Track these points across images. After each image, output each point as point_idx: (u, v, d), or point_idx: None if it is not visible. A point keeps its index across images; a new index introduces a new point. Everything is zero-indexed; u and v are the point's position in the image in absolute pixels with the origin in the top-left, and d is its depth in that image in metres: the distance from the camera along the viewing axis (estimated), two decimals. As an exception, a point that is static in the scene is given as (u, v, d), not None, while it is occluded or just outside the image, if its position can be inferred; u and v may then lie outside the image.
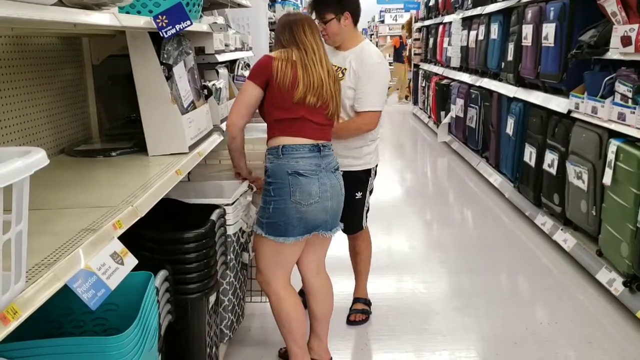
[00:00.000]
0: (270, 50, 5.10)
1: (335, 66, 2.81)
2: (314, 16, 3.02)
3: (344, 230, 2.80)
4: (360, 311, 3.14)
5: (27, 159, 0.95)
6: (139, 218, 1.60)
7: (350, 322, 3.09)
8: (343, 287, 3.24)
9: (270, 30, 5.26)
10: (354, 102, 2.81)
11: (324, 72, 2.35)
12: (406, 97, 13.36)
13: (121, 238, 1.46)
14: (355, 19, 2.90)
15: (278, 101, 2.32)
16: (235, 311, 2.67)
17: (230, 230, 2.46)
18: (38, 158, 0.97)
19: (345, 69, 2.81)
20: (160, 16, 2.00)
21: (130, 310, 1.58)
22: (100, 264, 1.31)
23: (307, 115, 2.33)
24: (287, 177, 2.29)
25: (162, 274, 1.84)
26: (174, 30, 2.02)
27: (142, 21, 1.98)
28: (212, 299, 2.27)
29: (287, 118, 2.33)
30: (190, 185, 2.80)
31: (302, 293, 2.81)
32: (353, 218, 2.92)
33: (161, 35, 2.04)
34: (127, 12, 2.07)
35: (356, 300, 3.20)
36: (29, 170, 0.94)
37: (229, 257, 2.48)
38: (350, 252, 3.21)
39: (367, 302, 3.20)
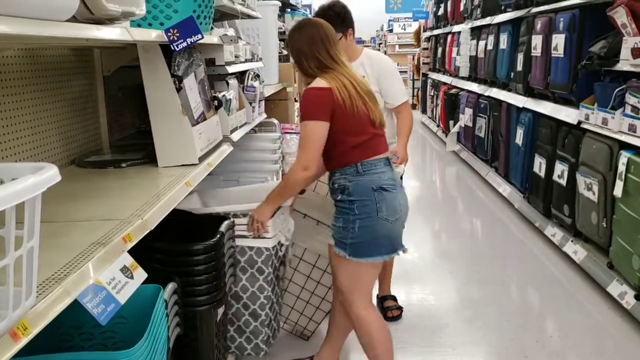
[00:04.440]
0: (281, 60, 5.14)
1: None
2: None
3: None
4: (394, 307, 3.28)
5: (39, 176, 0.95)
6: (148, 231, 1.60)
7: (389, 318, 3.20)
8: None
9: (280, 40, 5.27)
10: (384, 101, 3.01)
11: (361, 80, 2.35)
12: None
13: (130, 249, 1.46)
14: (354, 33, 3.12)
15: (353, 128, 2.25)
16: (272, 326, 2.63)
17: (269, 244, 2.42)
18: (50, 175, 0.97)
19: (364, 77, 2.88)
20: (171, 30, 2.02)
21: (139, 323, 1.58)
22: (110, 278, 1.31)
23: (376, 131, 2.31)
24: (373, 193, 2.22)
25: (172, 286, 1.84)
26: (185, 44, 2.04)
27: (153, 35, 1.99)
28: (221, 310, 2.27)
29: (365, 140, 2.26)
30: (230, 192, 2.79)
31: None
32: None
33: (172, 48, 2.05)
34: (139, 25, 2.08)
35: (385, 298, 3.34)
36: (42, 188, 0.94)
37: (267, 271, 2.45)
38: None
39: (394, 298, 3.36)
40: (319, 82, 2.26)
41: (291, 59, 2.59)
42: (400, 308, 3.29)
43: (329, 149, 2.28)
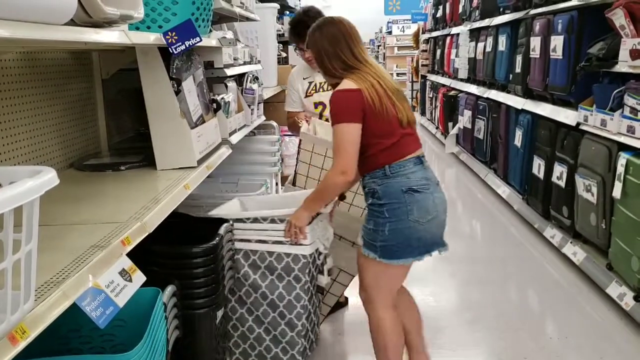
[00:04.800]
0: (279, 63, 5.14)
1: (323, 82, 3.09)
2: (297, 44, 3.20)
3: None
4: None
5: (37, 180, 0.95)
6: (147, 234, 1.60)
7: None
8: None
9: (278, 42, 5.28)
10: None
11: (389, 78, 2.29)
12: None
13: (129, 252, 1.46)
14: None
15: (383, 129, 2.20)
16: (309, 337, 2.59)
17: (307, 251, 2.39)
18: (48, 178, 0.97)
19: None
20: (170, 32, 2.02)
21: (138, 326, 1.58)
22: (109, 281, 1.31)
23: (405, 130, 2.26)
24: (402, 195, 2.18)
25: (170, 289, 1.84)
26: (183, 47, 2.04)
27: (151, 38, 1.99)
28: (220, 313, 2.27)
29: (394, 142, 2.22)
30: (271, 198, 2.76)
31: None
32: None
33: (171, 51, 2.05)
34: (137, 28, 2.08)
35: None
36: (40, 191, 0.94)
37: (303, 280, 2.42)
38: None
39: None
40: (347, 84, 2.21)
41: (312, 58, 2.47)
42: None
43: (361, 153, 2.23)
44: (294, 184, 3.01)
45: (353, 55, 2.26)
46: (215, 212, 2.49)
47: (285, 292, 2.45)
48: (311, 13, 3.14)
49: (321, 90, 3.23)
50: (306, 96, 3.27)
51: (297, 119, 3.21)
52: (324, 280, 2.59)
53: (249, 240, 2.43)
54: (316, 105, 3.28)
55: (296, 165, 3.03)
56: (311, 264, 2.45)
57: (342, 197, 2.54)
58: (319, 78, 3.15)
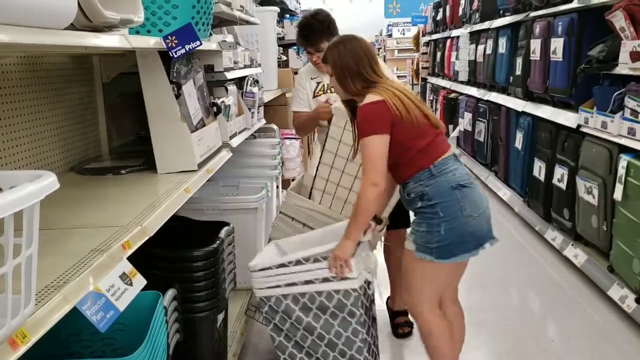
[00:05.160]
0: (280, 66, 5.15)
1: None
2: (305, 47, 3.15)
3: (393, 224, 2.73)
4: (405, 324, 3.13)
5: (37, 184, 0.95)
6: (147, 238, 1.60)
7: (400, 335, 3.10)
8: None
9: (279, 45, 5.29)
10: None
11: (407, 89, 2.33)
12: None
13: (130, 256, 1.46)
14: None
15: (415, 132, 2.22)
16: None
17: (355, 284, 2.31)
18: (49, 183, 0.97)
19: None
20: (170, 36, 2.02)
21: (139, 330, 1.58)
22: (109, 285, 1.31)
23: (436, 131, 2.29)
24: (453, 192, 2.18)
25: (171, 293, 1.84)
26: (183, 51, 2.04)
27: (152, 42, 1.99)
28: (221, 317, 2.27)
29: (429, 142, 2.24)
30: (302, 239, 2.63)
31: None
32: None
33: (171, 55, 2.06)
34: (137, 32, 2.09)
35: (398, 314, 3.18)
36: (40, 196, 0.94)
37: (358, 313, 2.32)
38: (390, 259, 3.13)
39: (406, 313, 3.19)
40: (371, 97, 2.22)
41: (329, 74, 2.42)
42: (411, 325, 3.13)
43: (397, 158, 2.24)
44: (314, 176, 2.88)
45: (373, 71, 2.29)
46: (256, 262, 2.42)
47: (341, 329, 2.36)
48: (320, 16, 3.12)
49: (329, 91, 3.21)
50: (314, 96, 3.25)
51: (322, 107, 3.10)
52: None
53: (295, 284, 2.36)
54: None
55: (323, 148, 2.86)
56: (363, 296, 2.37)
57: (379, 221, 2.46)
58: (327, 79, 3.13)
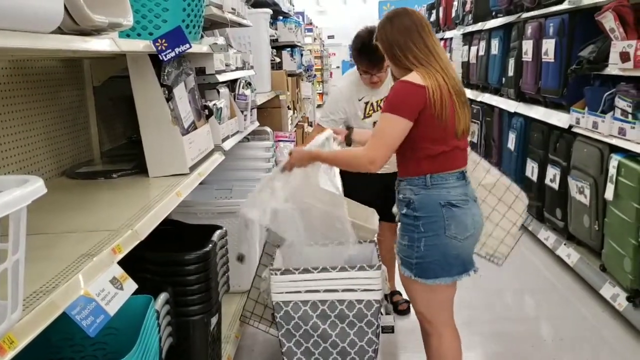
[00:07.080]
0: (273, 68, 5.14)
1: (379, 100, 3.09)
2: (369, 71, 2.97)
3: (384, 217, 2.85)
4: (403, 301, 3.35)
5: (24, 189, 0.94)
6: (139, 242, 1.59)
7: (400, 311, 3.32)
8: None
9: (272, 47, 5.28)
10: None
11: (456, 76, 2.12)
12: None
13: (122, 260, 1.46)
14: None
15: (436, 135, 2.06)
16: None
17: (378, 296, 2.32)
18: (35, 187, 0.96)
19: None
20: (159, 40, 2.02)
21: (131, 334, 1.57)
22: (100, 289, 1.30)
23: (459, 144, 2.12)
24: (440, 209, 2.05)
25: (163, 296, 1.83)
26: (173, 54, 2.04)
27: (141, 45, 1.99)
28: (214, 320, 2.26)
29: (444, 151, 2.08)
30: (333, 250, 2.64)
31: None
32: None
33: (160, 58, 2.05)
34: (128, 35, 2.08)
35: (393, 293, 3.41)
36: (26, 200, 0.94)
37: (375, 324, 2.35)
38: (380, 241, 3.06)
39: (400, 293, 3.42)
40: (415, 77, 2.05)
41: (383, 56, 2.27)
42: (407, 301, 3.24)
43: (404, 152, 2.12)
44: None
45: (426, 47, 2.10)
46: (278, 264, 2.44)
47: (357, 338, 2.37)
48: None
49: (379, 108, 3.10)
50: (364, 117, 3.15)
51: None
52: (389, 319, 2.58)
53: (317, 291, 2.34)
54: (375, 124, 3.17)
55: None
56: (382, 308, 2.40)
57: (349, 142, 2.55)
58: (374, 96, 3.07)
